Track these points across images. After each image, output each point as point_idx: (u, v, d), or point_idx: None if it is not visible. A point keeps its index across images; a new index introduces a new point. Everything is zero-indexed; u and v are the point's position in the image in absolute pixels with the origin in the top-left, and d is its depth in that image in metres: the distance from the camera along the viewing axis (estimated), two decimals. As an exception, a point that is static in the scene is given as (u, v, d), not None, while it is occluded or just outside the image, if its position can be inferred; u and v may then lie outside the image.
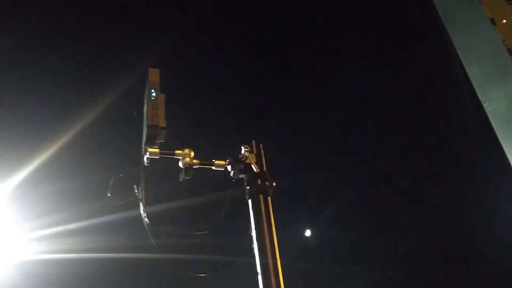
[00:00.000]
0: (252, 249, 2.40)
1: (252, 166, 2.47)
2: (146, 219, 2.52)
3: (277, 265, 2.32)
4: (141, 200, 2.55)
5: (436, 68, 6.37)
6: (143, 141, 2.43)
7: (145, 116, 2.55)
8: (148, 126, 2.39)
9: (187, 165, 2.44)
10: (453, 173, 7.14)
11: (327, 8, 6.67)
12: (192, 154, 2.49)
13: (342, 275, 7.75)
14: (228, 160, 2.54)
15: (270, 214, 2.44)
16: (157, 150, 2.44)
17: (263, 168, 2.53)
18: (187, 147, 2.49)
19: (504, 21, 3.44)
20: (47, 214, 6.55)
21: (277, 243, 2.40)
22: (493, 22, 3.44)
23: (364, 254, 7.94)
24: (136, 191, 2.53)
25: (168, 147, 2.48)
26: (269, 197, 2.47)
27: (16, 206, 6.51)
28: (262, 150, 2.59)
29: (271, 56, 6.95)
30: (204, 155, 2.55)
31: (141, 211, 2.56)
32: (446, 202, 7.26)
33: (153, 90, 2.45)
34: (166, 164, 2.50)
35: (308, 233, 7.64)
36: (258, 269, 2.33)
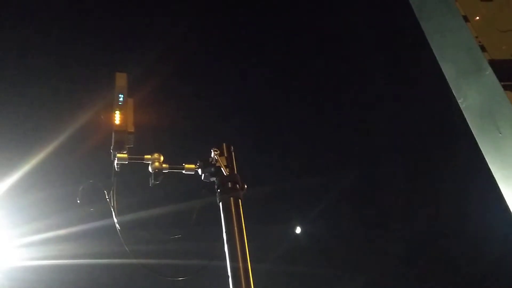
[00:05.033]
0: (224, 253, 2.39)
1: (222, 169, 2.46)
2: (118, 225, 2.51)
3: (247, 267, 2.31)
4: (112, 206, 2.53)
5: (412, 66, 6.37)
6: (111, 147, 2.41)
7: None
8: (116, 131, 2.37)
9: (157, 170, 2.43)
10: (434, 169, 7.14)
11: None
12: (162, 158, 2.47)
13: (333, 277, 7.72)
14: (198, 164, 2.53)
15: (240, 216, 2.43)
16: (126, 156, 2.42)
17: (233, 170, 2.52)
18: (156, 152, 2.48)
19: (477, 18, 3.46)
20: (36, 220, 6.50)
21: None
22: (466, 19, 3.46)
23: (354, 257, 7.90)
24: (107, 197, 2.51)
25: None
26: (239, 200, 2.46)
27: (4, 212, 6.45)
28: (233, 153, 2.58)
29: (251, 56, 6.92)
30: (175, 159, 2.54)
31: (114, 217, 2.55)
32: (431, 201, 7.26)
33: (120, 95, 2.43)
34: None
35: (298, 230, 7.62)
36: (229, 272, 2.32)
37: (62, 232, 6.47)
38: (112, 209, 2.51)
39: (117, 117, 2.39)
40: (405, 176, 7.53)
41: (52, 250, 6.65)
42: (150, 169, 2.46)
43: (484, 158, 3.30)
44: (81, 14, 6.27)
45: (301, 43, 7.01)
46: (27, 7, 6.18)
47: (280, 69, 7.13)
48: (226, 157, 2.50)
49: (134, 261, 2.69)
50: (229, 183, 2.43)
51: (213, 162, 2.49)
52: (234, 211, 2.40)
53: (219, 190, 2.46)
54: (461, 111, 3.44)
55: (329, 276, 7.63)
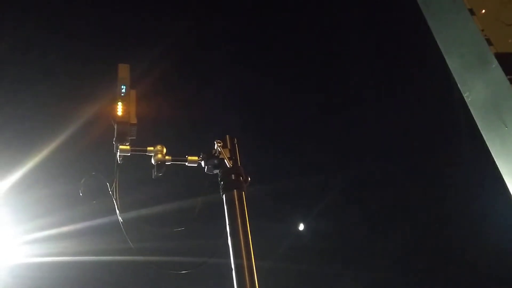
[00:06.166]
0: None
1: (225, 161, 2.44)
2: (120, 218, 2.49)
3: (251, 260, 2.29)
4: (115, 198, 2.52)
5: (417, 60, 6.33)
6: (114, 138, 2.40)
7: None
8: (118, 122, 2.36)
9: (159, 162, 2.41)
10: (438, 165, 7.09)
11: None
12: (165, 150, 2.46)
13: (335, 275, 7.70)
14: (201, 156, 2.51)
15: (244, 208, 2.40)
16: (128, 147, 2.41)
17: (237, 163, 2.50)
18: (159, 143, 2.46)
19: (483, 11, 3.43)
20: (40, 217, 6.51)
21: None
22: (472, 12, 3.43)
23: (358, 255, 7.87)
24: (110, 190, 2.50)
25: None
26: (243, 192, 2.44)
27: (8, 209, 6.48)
28: (236, 145, 2.56)
29: (253, 49, 6.90)
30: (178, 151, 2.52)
31: (116, 209, 2.54)
32: (436, 197, 7.22)
33: (123, 86, 2.42)
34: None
35: (301, 227, 7.60)
36: (232, 265, 2.30)
37: (66, 229, 6.49)
38: (114, 202, 2.50)
39: (120, 109, 2.38)
40: (408, 172, 7.49)
41: (56, 247, 6.67)
42: (153, 161, 2.44)
43: (490, 152, 3.27)
44: (82, 8, 6.28)
45: (305, 38, 6.99)
46: (28, 3, 6.19)
47: (283, 66, 7.11)
48: (229, 149, 2.48)
49: (138, 257, 2.67)
50: (233, 175, 2.42)
51: (216, 154, 2.47)
52: (238, 204, 2.38)
53: (222, 183, 2.44)
54: (467, 105, 3.42)
55: (332, 273, 7.61)
